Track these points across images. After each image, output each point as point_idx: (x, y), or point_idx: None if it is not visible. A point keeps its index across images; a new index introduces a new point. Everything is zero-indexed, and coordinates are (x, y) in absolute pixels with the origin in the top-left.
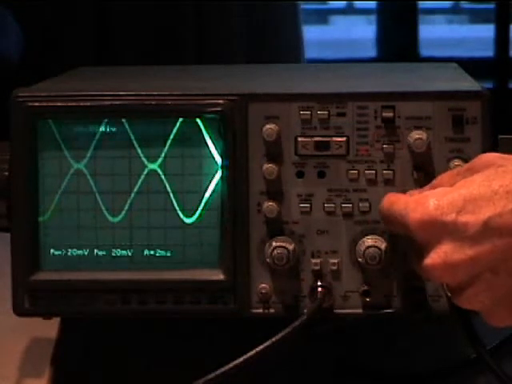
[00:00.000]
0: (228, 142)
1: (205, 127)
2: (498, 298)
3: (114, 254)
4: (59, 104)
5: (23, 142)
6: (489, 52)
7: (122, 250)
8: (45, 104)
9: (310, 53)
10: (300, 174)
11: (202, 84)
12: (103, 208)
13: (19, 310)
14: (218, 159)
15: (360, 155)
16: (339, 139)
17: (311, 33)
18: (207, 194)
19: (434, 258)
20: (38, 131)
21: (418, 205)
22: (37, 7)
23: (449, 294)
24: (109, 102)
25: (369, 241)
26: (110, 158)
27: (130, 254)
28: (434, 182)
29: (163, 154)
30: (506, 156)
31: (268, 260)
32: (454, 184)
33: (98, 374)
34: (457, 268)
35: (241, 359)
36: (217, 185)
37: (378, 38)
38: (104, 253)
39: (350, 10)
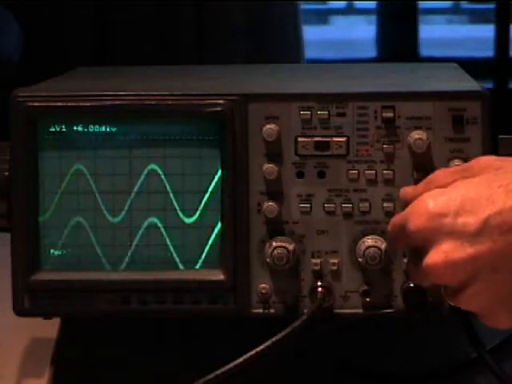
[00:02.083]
0: (228, 142)
1: (205, 127)
2: (497, 298)
3: (113, 254)
4: (59, 104)
5: (23, 142)
6: (489, 52)
7: (121, 250)
8: (45, 104)
9: (310, 53)
10: (300, 174)
11: (202, 84)
12: (103, 208)
13: (19, 310)
14: (218, 159)
15: (360, 155)
16: (339, 139)
17: (311, 33)
18: (207, 194)
19: (434, 257)
20: (37, 131)
21: (417, 209)
22: (37, 7)
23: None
24: (109, 102)
25: (369, 241)
26: (109, 157)
27: (130, 253)
28: (429, 178)
29: (163, 154)
30: (503, 158)
31: (268, 260)
32: (449, 182)
33: (98, 374)
34: (457, 267)
35: (241, 359)
36: (217, 185)
37: (377, 37)
38: (104, 253)
39: (349, 10)
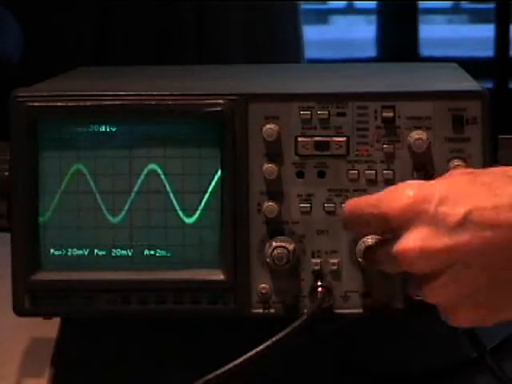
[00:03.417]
0: (228, 142)
1: (205, 127)
2: (463, 293)
3: (113, 254)
4: (59, 104)
5: (23, 142)
6: (489, 52)
7: (121, 249)
8: (45, 104)
9: (310, 53)
10: (300, 174)
11: (202, 84)
12: (103, 208)
13: (19, 310)
14: (218, 159)
15: (360, 155)
16: (339, 139)
17: (311, 33)
18: (207, 194)
19: (409, 242)
20: (37, 131)
21: (395, 194)
22: (37, 7)
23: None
24: (109, 102)
25: (369, 241)
26: (109, 157)
27: (130, 253)
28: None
29: (163, 154)
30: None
31: (268, 260)
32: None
33: (97, 374)
34: (431, 255)
35: (241, 359)
36: (217, 185)
37: (377, 38)
38: (104, 253)
39: (350, 10)
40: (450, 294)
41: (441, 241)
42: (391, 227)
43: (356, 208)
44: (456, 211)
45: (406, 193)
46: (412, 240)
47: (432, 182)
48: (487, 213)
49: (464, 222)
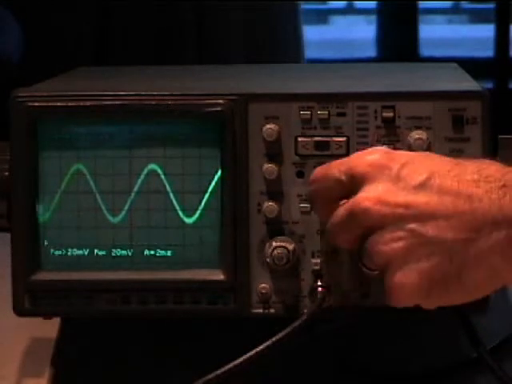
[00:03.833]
0: (228, 142)
1: (205, 127)
2: (412, 255)
3: (113, 254)
4: (59, 104)
5: (23, 142)
6: (489, 52)
7: (121, 249)
8: (45, 104)
9: (310, 53)
10: (300, 174)
11: (202, 84)
12: (103, 208)
13: (19, 310)
14: (218, 159)
15: None
16: (339, 139)
17: (311, 33)
18: (207, 194)
19: (369, 192)
20: (37, 131)
21: (364, 153)
22: (37, 7)
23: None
24: (109, 102)
25: None
26: (109, 157)
27: (130, 253)
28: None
29: (163, 154)
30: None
31: (268, 260)
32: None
33: (97, 374)
34: (387, 205)
35: (241, 359)
36: (217, 185)
37: (377, 38)
38: (104, 253)
39: (350, 10)
40: (398, 251)
41: (399, 196)
42: (355, 182)
43: (324, 168)
44: (419, 173)
45: (375, 152)
46: (371, 191)
47: (399, 151)
48: (449, 179)
49: (425, 184)
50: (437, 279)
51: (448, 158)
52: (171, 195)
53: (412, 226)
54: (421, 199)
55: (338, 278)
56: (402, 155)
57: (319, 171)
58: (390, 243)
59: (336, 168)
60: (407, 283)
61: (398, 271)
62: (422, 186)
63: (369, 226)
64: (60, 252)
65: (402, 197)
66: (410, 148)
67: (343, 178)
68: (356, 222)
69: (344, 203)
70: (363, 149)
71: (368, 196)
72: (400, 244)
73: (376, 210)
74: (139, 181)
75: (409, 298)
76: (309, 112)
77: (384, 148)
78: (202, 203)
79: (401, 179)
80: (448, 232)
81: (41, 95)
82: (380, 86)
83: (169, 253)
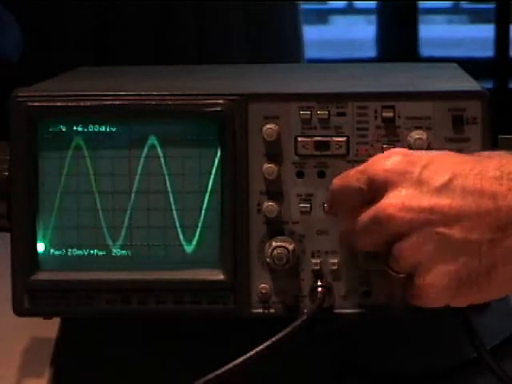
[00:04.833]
0: (228, 142)
1: (205, 127)
2: (440, 257)
3: (114, 254)
4: (59, 104)
5: (23, 142)
6: (489, 52)
7: (121, 250)
8: (45, 104)
9: (310, 53)
10: (300, 174)
11: (202, 84)
12: (103, 208)
13: (19, 310)
14: (218, 159)
15: (360, 155)
16: (339, 139)
17: (311, 33)
18: (207, 194)
19: (392, 199)
20: (37, 131)
21: (382, 158)
22: (37, 7)
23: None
24: (109, 102)
25: None
26: (109, 158)
27: (130, 254)
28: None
29: (163, 154)
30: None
31: (268, 260)
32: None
33: (97, 374)
34: (412, 210)
35: (241, 359)
36: (217, 185)
37: (377, 38)
38: (104, 253)
39: (350, 10)
40: (425, 255)
41: (423, 200)
42: (377, 188)
43: (343, 178)
44: (441, 175)
45: (393, 157)
46: (395, 197)
47: (419, 151)
48: (472, 178)
49: (448, 186)
50: (465, 279)
51: (468, 156)
52: (171, 195)
53: (438, 229)
54: (444, 202)
55: (339, 277)
56: (422, 157)
57: (338, 183)
58: (416, 248)
59: (354, 177)
60: (437, 284)
61: (427, 274)
62: (444, 188)
63: (394, 232)
64: (60, 252)
65: (426, 201)
66: (409, 148)
67: (364, 187)
68: (381, 228)
69: (367, 209)
70: (363, 148)
71: (391, 202)
72: (427, 248)
73: (401, 216)
74: (139, 181)
75: (439, 299)
76: (309, 112)
77: (402, 149)
78: (202, 203)
79: (423, 182)
80: (474, 233)
81: (41, 95)
82: (380, 86)
83: (169, 253)
